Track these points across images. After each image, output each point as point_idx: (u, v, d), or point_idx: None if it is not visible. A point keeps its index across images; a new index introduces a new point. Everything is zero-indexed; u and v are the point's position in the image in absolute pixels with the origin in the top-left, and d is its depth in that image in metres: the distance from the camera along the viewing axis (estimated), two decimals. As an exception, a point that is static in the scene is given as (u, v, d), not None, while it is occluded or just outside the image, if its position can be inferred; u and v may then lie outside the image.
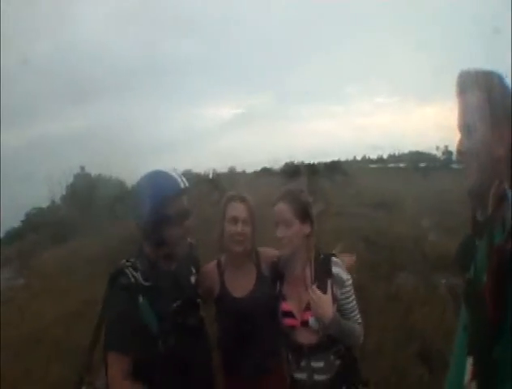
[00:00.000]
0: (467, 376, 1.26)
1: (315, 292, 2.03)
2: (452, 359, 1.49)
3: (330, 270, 2.14)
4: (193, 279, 2.12)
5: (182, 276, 2.04)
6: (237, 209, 2.30)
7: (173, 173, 1.92)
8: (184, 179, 1.93)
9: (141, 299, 1.73)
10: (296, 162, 18.14)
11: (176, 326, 1.81)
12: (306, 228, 2.18)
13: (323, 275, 2.13)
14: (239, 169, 18.59)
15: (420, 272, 6.24)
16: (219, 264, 2.44)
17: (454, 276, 5.09)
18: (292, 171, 15.61)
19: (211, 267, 2.45)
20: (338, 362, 2.14)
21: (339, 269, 2.15)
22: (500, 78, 1.32)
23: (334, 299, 2.08)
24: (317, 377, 2.12)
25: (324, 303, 2.01)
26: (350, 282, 2.16)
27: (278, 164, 17.99)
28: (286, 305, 2.19)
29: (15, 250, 13.47)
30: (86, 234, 11.53)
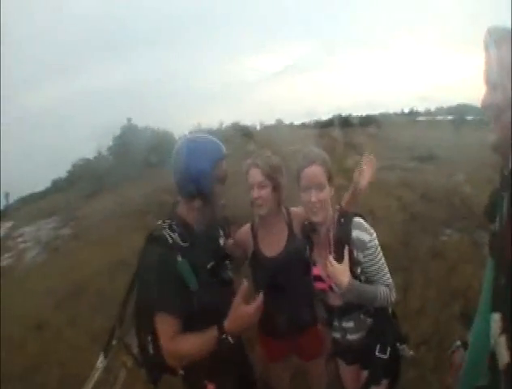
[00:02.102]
0: (495, 331, 1.24)
1: (331, 263, 2.00)
2: (478, 313, 1.54)
3: (349, 234, 2.05)
4: (221, 241, 2.15)
5: (213, 238, 2.08)
6: (252, 175, 2.31)
7: (215, 139, 1.98)
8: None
9: (180, 259, 1.76)
10: (343, 114, 17.76)
11: (210, 284, 1.85)
12: (332, 190, 2.13)
13: (343, 239, 2.06)
14: (286, 121, 18.33)
15: (466, 229, 6.00)
16: (252, 226, 2.49)
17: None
18: (339, 123, 15.27)
19: (245, 229, 2.52)
20: (369, 321, 2.17)
21: (359, 232, 2.06)
22: None
23: (357, 263, 2.05)
24: (349, 336, 2.20)
25: (338, 272, 1.98)
26: (374, 243, 2.05)
27: (326, 115, 17.67)
28: (316, 270, 2.22)
29: (62, 201, 13.74)
30: (132, 185, 11.57)
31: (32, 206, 15.05)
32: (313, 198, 2.04)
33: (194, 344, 1.71)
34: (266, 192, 2.29)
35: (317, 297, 2.31)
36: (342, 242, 2.05)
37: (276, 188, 2.31)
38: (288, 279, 2.33)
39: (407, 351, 2.16)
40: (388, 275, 2.09)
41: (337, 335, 2.25)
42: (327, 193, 2.07)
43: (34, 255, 9.25)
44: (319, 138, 12.92)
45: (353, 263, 2.02)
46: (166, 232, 1.82)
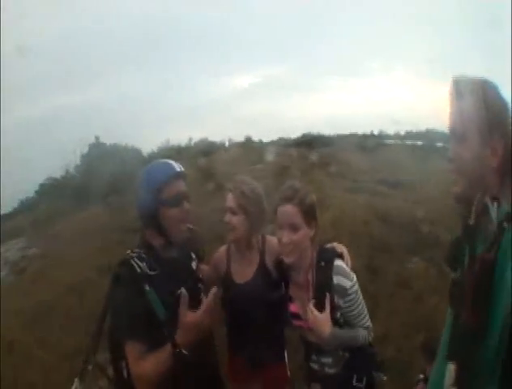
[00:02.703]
0: (448, 381, 1.30)
1: (312, 312, 1.95)
2: (439, 352, 1.52)
3: (330, 280, 1.99)
4: (194, 264, 2.15)
5: (184, 263, 2.08)
6: (227, 199, 2.29)
7: (169, 161, 1.98)
8: (179, 164, 1.98)
9: (147, 287, 1.77)
10: (312, 133, 17.92)
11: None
12: (311, 232, 2.03)
13: (324, 285, 2.01)
14: (255, 138, 18.40)
15: (433, 258, 6.01)
16: (228, 250, 2.46)
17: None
18: (307, 142, 15.40)
19: (221, 251, 2.49)
20: (347, 355, 2.12)
21: (340, 277, 2.00)
22: (495, 88, 1.32)
23: (337, 308, 2.00)
24: (327, 370, 2.15)
25: (320, 323, 1.94)
26: (354, 288, 2.02)
27: (294, 134, 17.83)
28: (293, 307, 2.18)
29: (29, 220, 13.59)
30: (99, 204, 11.52)
31: (-1, 227, 14.84)
32: (285, 239, 1.97)
33: (154, 363, 1.72)
34: (236, 219, 2.26)
35: (294, 331, 2.29)
36: (322, 288, 2.00)
37: (248, 216, 2.26)
38: (253, 310, 2.29)
39: (381, 377, 2.19)
40: (367, 317, 2.09)
41: (315, 366, 2.21)
42: (302, 235, 1.99)
43: (2, 276, 9.14)
44: (286, 156, 13.02)
45: (333, 308, 1.98)
46: (134, 262, 1.82)
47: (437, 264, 5.89)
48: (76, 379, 1.96)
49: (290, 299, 2.19)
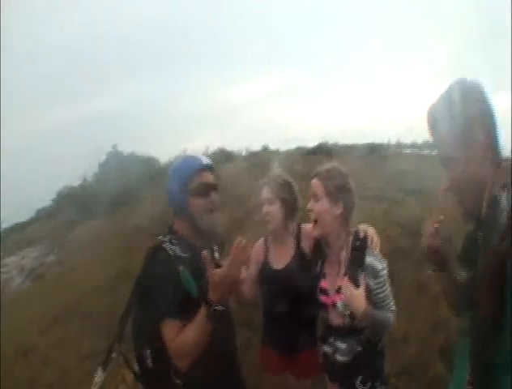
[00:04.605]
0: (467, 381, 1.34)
1: (348, 288, 2.04)
2: (455, 361, 1.61)
3: (363, 260, 2.11)
4: (216, 254, 2.22)
5: (209, 251, 2.00)
6: (263, 192, 2.54)
7: (198, 155, 2.10)
8: (207, 158, 2.11)
9: (181, 268, 1.85)
10: (330, 142, 17.77)
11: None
12: (337, 209, 2.20)
13: (357, 264, 2.11)
14: (272, 147, 18.38)
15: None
16: (266, 240, 2.68)
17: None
18: (325, 151, 15.26)
19: (259, 243, 2.69)
20: (358, 349, 2.21)
21: (373, 259, 2.13)
22: (473, 91, 1.37)
23: (368, 290, 2.09)
24: (338, 356, 2.25)
25: (356, 298, 2.02)
26: (385, 271, 2.15)
27: (312, 143, 17.73)
28: (324, 283, 2.30)
29: (47, 229, 13.69)
30: (117, 212, 11.59)
31: (15, 236, 14.95)
32: (308, 206, 2.24)
33: (191, 331, 1.76)
34: (274, 208, 2.50)
35: (319, 310, 2.40)
36: (355, 267, 2.10)
37: (283, 204, 2.51)
38: (291, 294, 2.43)
39: None
40: (393, 301, 2.20)
41: (328, 350, 2.32)
42: (322, 206, 2.20)
43: (19, 283, 9.21)
44: (304, 165, 13.01)
45: (366, 290, 2.07)
46: (166, 246, 1.93)
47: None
48: (99, 368, 2.01)
49: (323, 275, 2.32)
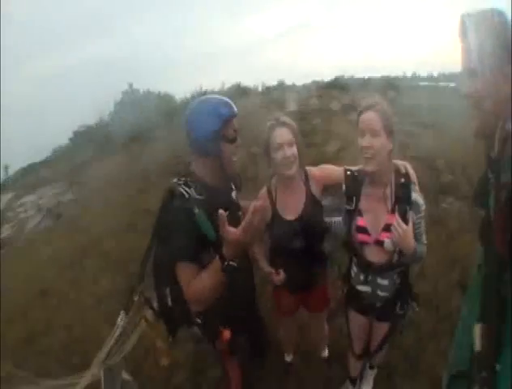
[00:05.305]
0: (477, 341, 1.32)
1: (401, 226, 2.06)
2: (466, 297, 1.68)
3: (410, 196, 2.16)
4: (234, 194, 2.30)
5: (226, 192, 2.23)
6: (280, 134, 2.37)
7: (227, 100, 2.08)
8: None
9: (197, 210, 1.88)
10: (345, 76, 17.45)
11: None
12: (389, 145, 2.14)
13: (403, 201, 2.16)
14: (288, 82, 18.15)
15: (467, 197, 5.94)
16: (269, 190, 2.57)
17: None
18: (341, 85, 15.01)
19: (262, 194, 2.59)
20: (398, 281, 2.32)
21: (417, 195, 2.18)
22: (500, 15, 1.34)
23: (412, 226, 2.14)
24: (380, 293, 2.34)
25: (407, 236, 2.06)
26: (424, 207, 2.19)
27: (328, 77, 17.39)
28: (362, 221, 2.29)
29: (63, 167, 13.65)
30: (134, 150, 11.44)
31: (32, 175, 14.97)
32: (365, 143, 2.09)
33: (206, 279, 1.77)
34: (294, 151, 2.37)
35: (353, 249, 2.39)
36: (402, 203, 2.15)
37: (298, 147, 2.39)
38: (305, 241, 2.43)
39: (415, 307, 2.44)
40: (425, 235, 2.25)
41: (366, 289, 2.37)
42: (381, 142, 2.08)
43: (36, 223, 9.19)
44: (320, 98, 12.83)
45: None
46: (182, 188, 1.95)
47: (471, 204, 5.85)
48: (122, 311, 2.13)
49: (359, 212, 2.29)
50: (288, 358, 3.40)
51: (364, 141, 2.09)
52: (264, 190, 2.59)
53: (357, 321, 2.59)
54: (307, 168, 2.54)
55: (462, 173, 6.82)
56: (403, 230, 2.04)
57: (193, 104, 2.07)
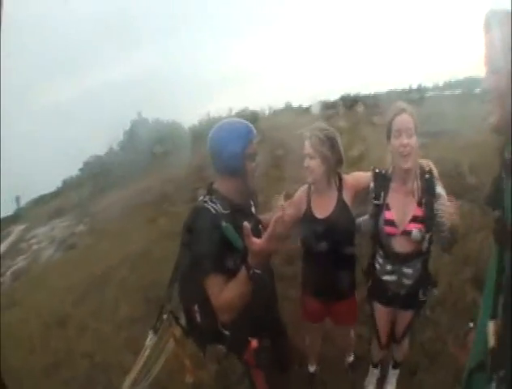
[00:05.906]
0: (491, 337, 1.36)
1: (445, 204, 2.17)
2: (484, 298, 1.61)
3: (435, 189, 2.37)
4: (253, 209, 2.38)
5: (247, 207, 2.32)
6: (305, 147, 2.58)
7: (246, 123, 2.21)
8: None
9: (224, 223, 1.95)
10: (350, 94, 17.56)
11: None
12: (417, 143, 2.34)
13: (429, 194, 2.37)
14: (295, 104, 18.24)
15: (476, 199, 5.94)
16: (308, 190, 2.72)
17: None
18: (348, 103, 15.18)
19: (303, 189, 2.76)
20: (420, 269, 2.48)
21: (440, 188, 2.38)
22: None
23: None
24: (405, 281, 2.50)
25: (454, 212, 2.12)
26: (446, 198, 2.30)
27: (333, 96, 17.45)
28: (389, 214, 2.46)
29: (74, 199, 13.75)
30: (144, 179, 11.53)
31: (43, 207, 15.08)
32: (405, 141, 2.29)
33: (235, 288, 1.84)
34: (314, 163, 2.53)
35: (379, 242, 2.55)
36: (428, 195, 2.36)
37: (324, 160, 2.52)
38: (333, 242, 2.55)
39: (435, 292, 2.65)
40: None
41: (392, 278, 2.54)
42: (415, 141, 2.31)
43: (50, 254, 9.26)
44: (327, 119, 12.95)
45: (436, 213, 2.29)
46: (208, 205, 2.05)
47: (481, 206, 5.94)
48: (151, 331, 2.26)
49: (387, 207, 2.47)
50: (312, 368, 3.42)
51: (403, 140, 2.28)
52: (306, 187, 2.73)
53: (382, 312, 2.74)
54: (344, 175, 2.68)
55: (472, 176, 6.96)
56: (447, 206, 2.14)
57: (217, 128, 2.17)
